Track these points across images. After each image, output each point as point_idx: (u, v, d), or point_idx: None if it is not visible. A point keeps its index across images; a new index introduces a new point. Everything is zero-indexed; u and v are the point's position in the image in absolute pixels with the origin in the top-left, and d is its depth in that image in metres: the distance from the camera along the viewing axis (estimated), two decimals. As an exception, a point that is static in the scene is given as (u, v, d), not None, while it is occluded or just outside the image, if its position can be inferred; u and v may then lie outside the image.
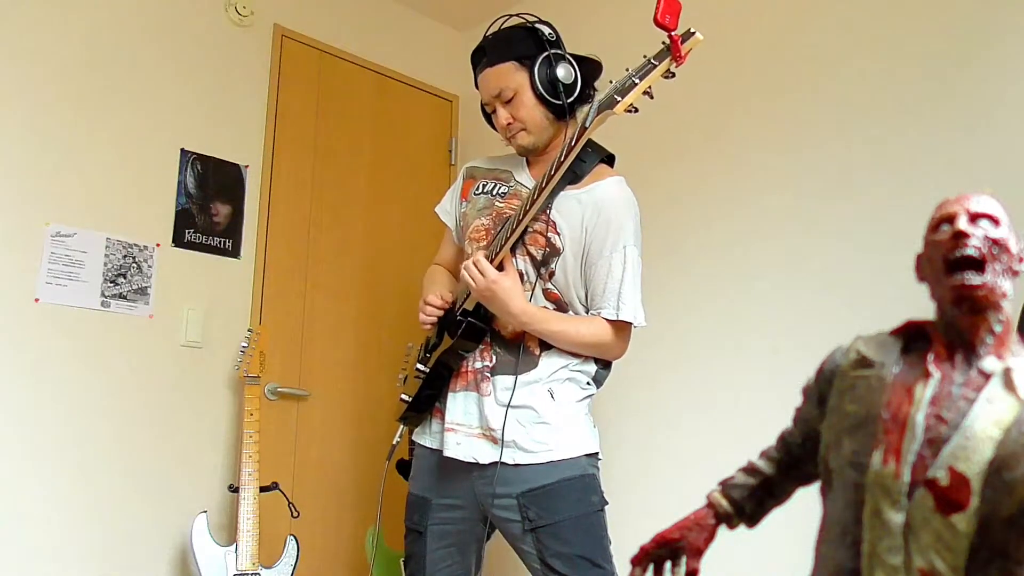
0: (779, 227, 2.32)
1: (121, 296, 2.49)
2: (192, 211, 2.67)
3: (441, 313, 1.87)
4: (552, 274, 1.78)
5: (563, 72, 1.76)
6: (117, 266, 2.49)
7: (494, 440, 1.73)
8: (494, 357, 1.78)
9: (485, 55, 1.82)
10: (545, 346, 1.78)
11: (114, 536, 2.39)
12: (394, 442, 1.98)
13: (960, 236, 0.99)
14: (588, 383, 1.83)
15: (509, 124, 1.80)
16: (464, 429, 1.77)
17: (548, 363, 1.77)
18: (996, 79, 1.98)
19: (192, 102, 2.70)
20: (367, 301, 3.03)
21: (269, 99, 2.88)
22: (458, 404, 1.79)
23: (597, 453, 1.81)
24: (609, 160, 1.88)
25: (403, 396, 1.91)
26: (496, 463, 1.72)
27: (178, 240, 2.63)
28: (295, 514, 2.53)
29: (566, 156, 1.64)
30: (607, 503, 1.79)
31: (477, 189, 1.93)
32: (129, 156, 2.55)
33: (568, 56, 1.80)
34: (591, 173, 1.81)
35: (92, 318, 2.43)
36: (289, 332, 2.82)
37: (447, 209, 2.05)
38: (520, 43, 1.78)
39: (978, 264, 0.97)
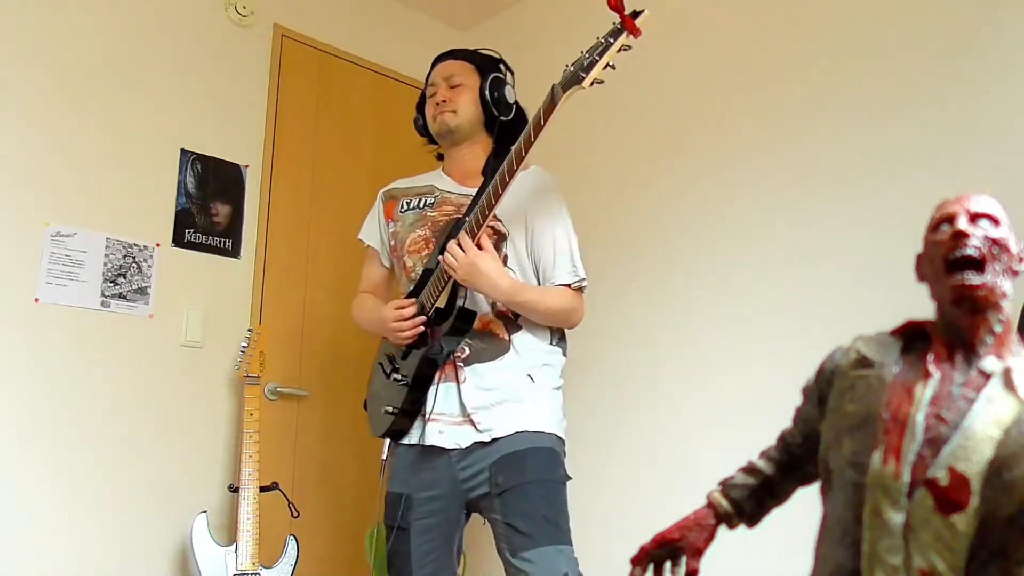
0: (779, 227, 2.32)
1: (121, 296, 2.49)
2: (192, 211, 2.67)
3: (423, 318, 1.89)
4: (506, 259, 1.89)
5: (508, 94, 1.99)
6: (117, 266, 2.49)
7: (473, 424, 1.82)
8: (466, 348, 1.86)
9: (451, 53, 2.07)
10: (512, 329, 1.88)
11: (114, 536, 2.39)
12: (383, 457, 1.99)
13: (960, 236, 0.99)
14: (560, 373, 1.94)
15: (444, 102, 1.97)
16: (446, 418, 1.86)
17: (520, 347, 1.87)
18: (997, 78, 1.98)
19: (192, 102, 2.70)
20: (367, 301, 3.03)
21: (269, 99, 2.88)
22: (439, 395, 1.86)
23: (564, 441, 1.91)
24: None
25: (387, 408, 1.93)
26: (473, 444, 1.82)
27: (178, 240, 2.63)
28: (295, 514, 2.53)
29: (535, 135, 1.71)
30: (570, 479, 1.87)
31: (402, 207, 2.05)
32: (129, 156, 2.55)
33: (515, 98, 2.01)
34: None
35: (92, 318, 2.43)
36: (289, 332, 2.82)
37: (371, 234, 2.13)
38: (486, 60, 2.04)
39: (978, 264, 0.98)
